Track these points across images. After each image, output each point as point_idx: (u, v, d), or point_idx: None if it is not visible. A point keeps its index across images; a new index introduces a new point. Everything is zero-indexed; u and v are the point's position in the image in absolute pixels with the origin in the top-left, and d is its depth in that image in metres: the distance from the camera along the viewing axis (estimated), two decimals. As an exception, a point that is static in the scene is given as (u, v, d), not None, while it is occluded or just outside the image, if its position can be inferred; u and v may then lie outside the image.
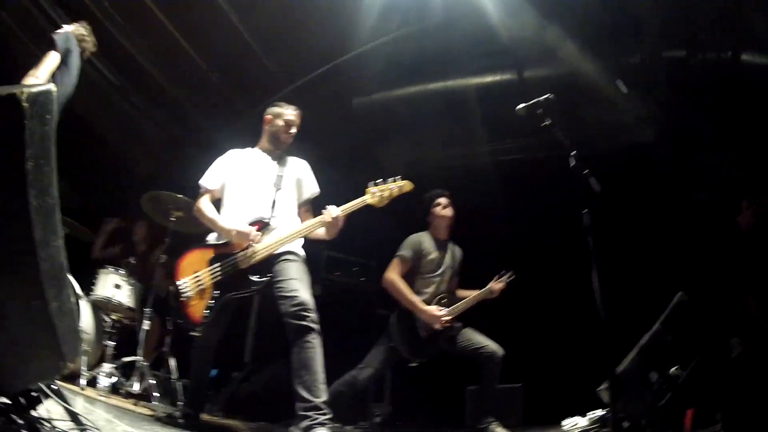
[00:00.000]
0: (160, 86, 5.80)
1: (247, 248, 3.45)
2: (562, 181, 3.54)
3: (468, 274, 5.08)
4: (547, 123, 3.43)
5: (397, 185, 3.51)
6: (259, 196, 3.66)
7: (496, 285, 4.81)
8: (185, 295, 3.51)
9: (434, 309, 4.56)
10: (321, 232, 3.60)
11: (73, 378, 3.95)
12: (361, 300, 6.31)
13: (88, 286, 4.65)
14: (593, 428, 3.78)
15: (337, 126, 6.39)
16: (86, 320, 4.42)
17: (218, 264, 3.50)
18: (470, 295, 4.82)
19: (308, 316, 3.19)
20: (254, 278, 3.43)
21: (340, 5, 5.14)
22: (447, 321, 4.56)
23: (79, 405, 3.10)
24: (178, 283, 3.54)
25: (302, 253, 3.65)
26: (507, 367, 4.61)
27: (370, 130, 6.52)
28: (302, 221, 3.73)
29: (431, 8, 5.28)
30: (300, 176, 3.88)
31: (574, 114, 5.32)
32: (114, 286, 4.68)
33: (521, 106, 3.50)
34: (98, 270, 4.78)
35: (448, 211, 4.91)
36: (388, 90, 6.04)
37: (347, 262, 6.37)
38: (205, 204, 3.68)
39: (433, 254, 4.80)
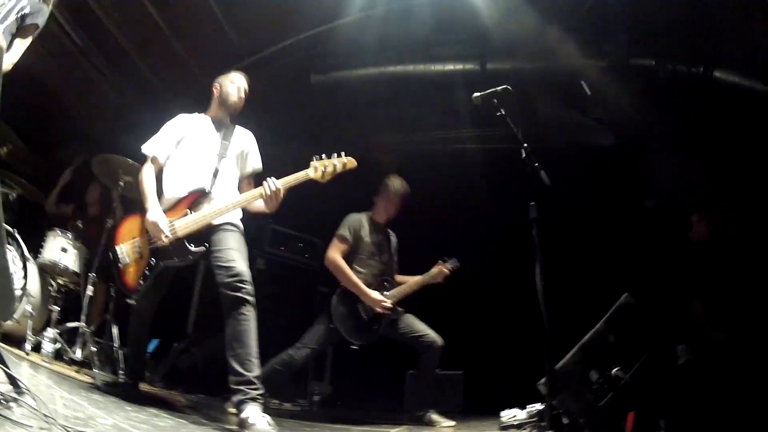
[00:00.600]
0: (120, 47, 5.65)
1: (185, 215, 3.40)
2: (511, 172, 3.56)
3: (410, 259, 5.08)
4: (501, 113, 3.45)
5: (341, 162, 3.41)
6: (202, 164, 3.60)
7: (440, 271, 4.81)
8: (122, 261, 3.49)
9: (376, 293, 4.58)
10: (261, 205, 3.52)
11: (18, 342, 3.92)
12: (304, 276, 6.31)
13: (36, 248, 4.56)
14: (532, 422, 3.79)
15: (294, 101, 6.36)
16: (33, 284, 4.33)
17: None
18: (410, 279, 4.84)
19: (244, 288, 3.17)
20: (191, 247, 3.37)
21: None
22: (389, 305, 4.58)
23: (23, 370, 3.13)
24: (116, 248, 3.52)
25: (240, 225, 3.59)
26: (448, 354, 4.63)
27: (327, 108, 6.49)
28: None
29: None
30: (245, 148, 3.82)
31: (534, 108, 5.35)
32: (61, 249, 4.58)
33: (477, 94, 3.53)
34: (47, 232, 4.68)
35: (399, 205, 4.88)
36: (348, 70, 6.00)
37: (292, 237, 6.35)
38: (147, 173, 3.58)
39: (372, 236, 4.79)
